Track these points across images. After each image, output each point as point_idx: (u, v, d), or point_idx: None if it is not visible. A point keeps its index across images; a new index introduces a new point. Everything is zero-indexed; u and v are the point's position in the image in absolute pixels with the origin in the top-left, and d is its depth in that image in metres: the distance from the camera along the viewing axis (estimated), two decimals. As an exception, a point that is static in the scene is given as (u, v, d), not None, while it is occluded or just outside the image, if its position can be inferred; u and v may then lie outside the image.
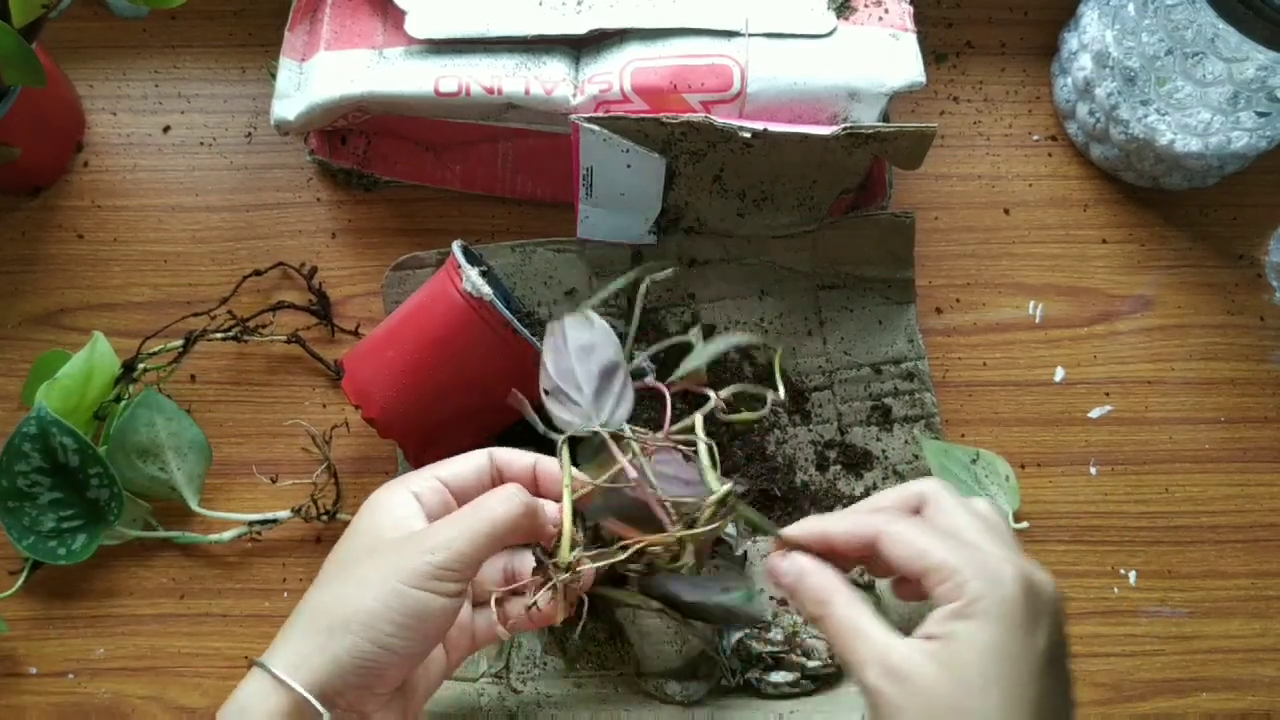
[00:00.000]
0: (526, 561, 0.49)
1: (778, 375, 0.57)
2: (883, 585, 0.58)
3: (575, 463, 0.49)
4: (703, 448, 0.48)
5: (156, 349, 0.61)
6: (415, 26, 0.57)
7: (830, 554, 0.43)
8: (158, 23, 0.69)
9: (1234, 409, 0.64)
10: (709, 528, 0.45)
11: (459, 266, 0.54)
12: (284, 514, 0.60)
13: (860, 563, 0.44)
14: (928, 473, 0.60)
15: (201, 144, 0.68)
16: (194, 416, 0.61)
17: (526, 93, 0.56)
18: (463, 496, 0.47)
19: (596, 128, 0.54)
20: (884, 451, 0.62)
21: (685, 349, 0.61)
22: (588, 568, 0.46)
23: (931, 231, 0.66)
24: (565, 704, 0.56)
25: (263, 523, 0.60)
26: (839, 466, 0.61)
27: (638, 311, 0.59)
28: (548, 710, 0.55)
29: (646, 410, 0.60)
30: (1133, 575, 0.61)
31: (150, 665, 0.60)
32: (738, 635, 0.56)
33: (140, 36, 0.69)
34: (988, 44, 0.70)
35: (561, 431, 0.49)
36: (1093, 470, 0.63)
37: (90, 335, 0.59)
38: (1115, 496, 0.63)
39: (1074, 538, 0.62)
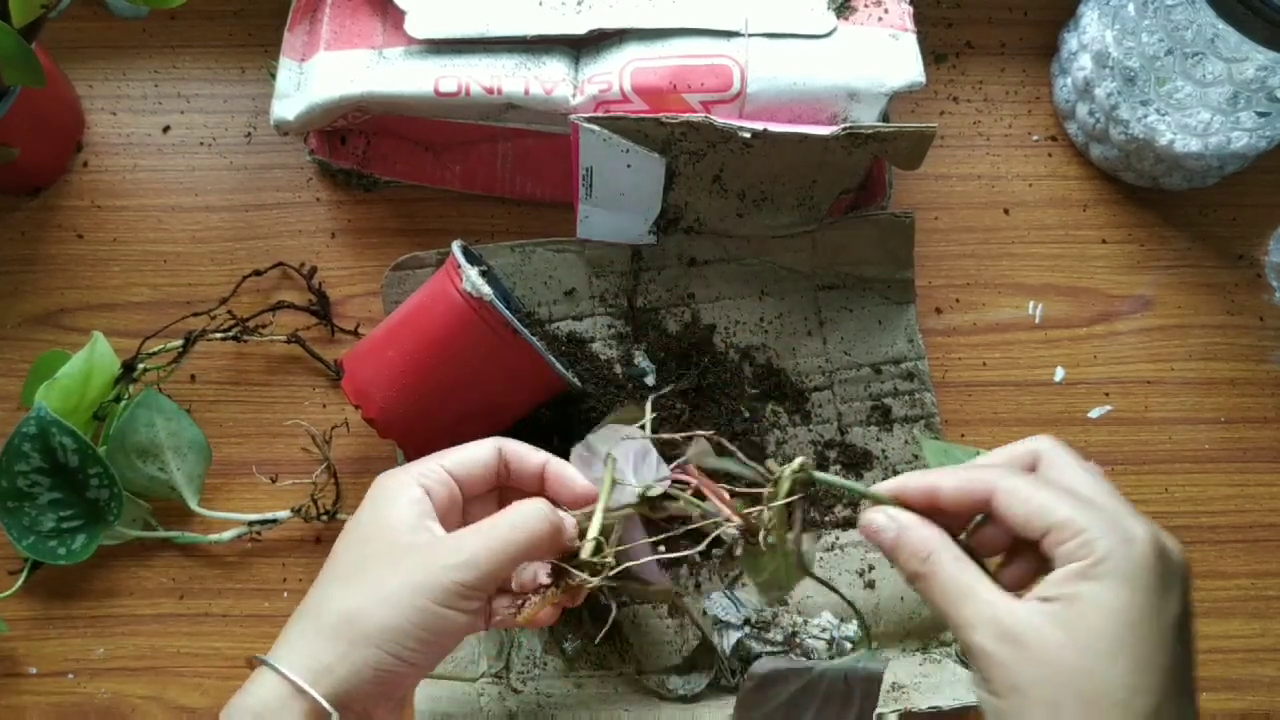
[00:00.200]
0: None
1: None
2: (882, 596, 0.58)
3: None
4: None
5: (156, 349, 0.61)
6: (415, 26, 0.57)
7: (934, 513, 0.40)
8: (158, 23, 0.69)
9: (1234, 409, 0.64)
10: (790, 499, 0.43)
11: (459, 266, 0.54)
12: (284, 514, 0.60)
13: (964, 525, 0.41)
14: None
15: (201, 144, 0.68)
16: (194, 416, 0.61)
17: (526, 93, 0.56)
18: (470, 489, 0.46)
19: (596, 128, 0.54)
20: (884, 451, 0.62)
21: (680, 351, 0.61)
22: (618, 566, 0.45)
23: (931, 231, 0.66)
24: (565, 704, 0.56)
25: (263, 523, 0.60)
26: (839, 466, 0.61)
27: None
28: (548, 710, 0.55)
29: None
30: (1133, 575, 0.61)
31: (150, 665, 0.60)
32: (737, 635, 0.56)
33: (140, 36, 0.69)
34: (988, 44, 0.70)
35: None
36: (1093, 470, 0.63)
37: (90, 335, 0.59)
38: None
39: (1074, 538, 0.62)
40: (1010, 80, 0.69)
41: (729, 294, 0.63)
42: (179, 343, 0.61)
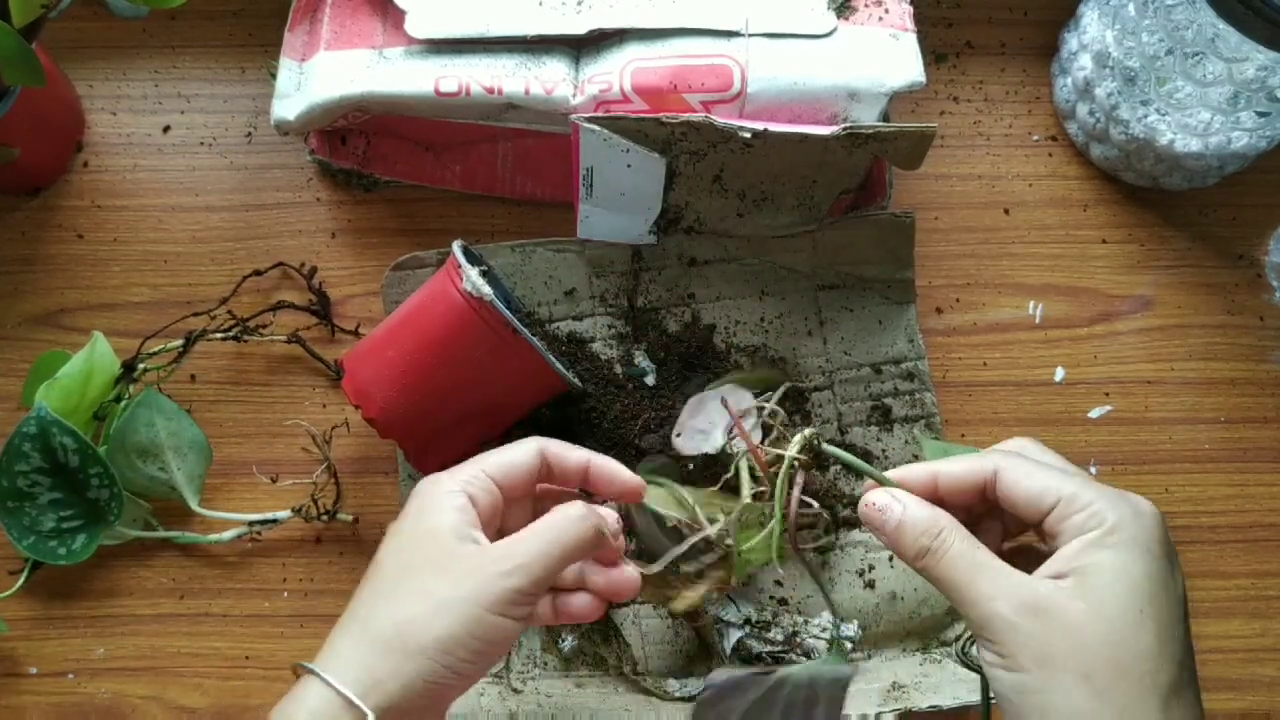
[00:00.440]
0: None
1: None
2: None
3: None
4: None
5: (156, 349, 0.61)
6: (415, 26, 0.57)
7: (934, 500, 0.40)
8: (158, 23, 0.69)
9: (1234, 409, 0.64)
10: (797, 456, 0.43)
11: (459, 266, 0.54)
12: (284, 514, 0.60)
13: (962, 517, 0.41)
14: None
15: (201, 144, 0.68)
16: (194, 416, 0.61)
17: (526, 93, 0.56)
18: (511, 492, 0.46)
19: (596, 127, 0.54)
20: (884, 451, 0.62)
21: (683, 351, 0.61)
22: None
23: (931, 231, 0.66)
24: (565, 704, 0.56)
25: (263, 523, 0.60)
26: (839, 466, 0.61)
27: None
28: (547, 710, 0.55)
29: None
30: (1133, 575, 0.61)
31: (150, 665, 0.60)
32: (738, 635, 0.56)
33: (140, 36, 0.69)
34: (988, 44, 0.70)
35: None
36: (1093, 470, 0.63)
37: (90, 335, 0.59)
38: None
39: (1074, 538, 0.62)
40: (1010, 80, 0.69)
41: (729, 294, 0.63)
42: (179, 343, 0.61)
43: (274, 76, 0.61)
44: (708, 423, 0.50)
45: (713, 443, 0.49)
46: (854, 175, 0.58)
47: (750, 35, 0.56)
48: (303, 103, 0.59)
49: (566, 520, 0.43)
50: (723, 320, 0.62)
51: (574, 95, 0.56)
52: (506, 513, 0.47)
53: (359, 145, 0.64)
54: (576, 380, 0.58)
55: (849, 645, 0.57)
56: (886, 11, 0.58)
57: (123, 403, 0.60)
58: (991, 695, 0.53)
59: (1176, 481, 0.63)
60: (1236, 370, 0.64)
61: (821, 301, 0.63)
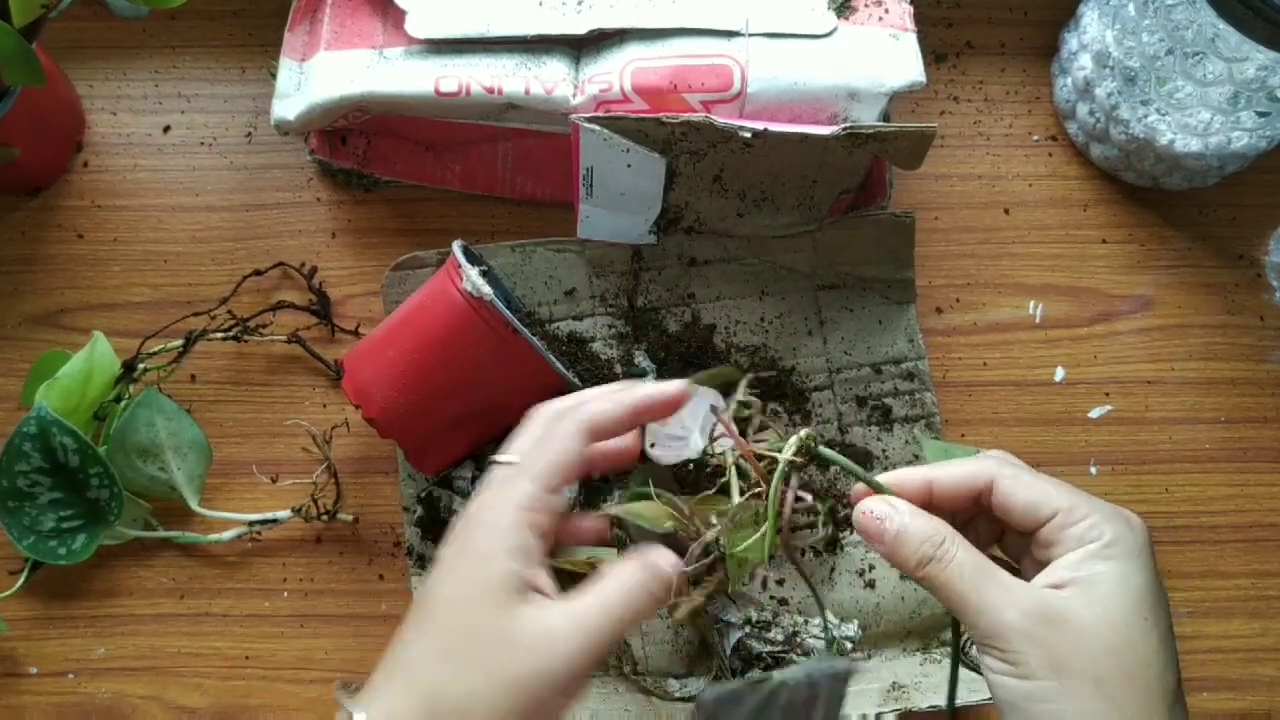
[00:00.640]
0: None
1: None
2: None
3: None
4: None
5: (156, 349, 0.61)
6: (415, 26, 0.57)
7: (926, 505, 0.40)
8: (158, 23, 0.69)
9: (1234, 409, 0.64)
10: (792, 457, 0.42)
11: (459, 266, 0.54)
12: (284, 514, 0.60)
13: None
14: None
15: (201, 144, 0.68)
16: (194, 416, 0.61)
17: (527, 92, 0.56)
18: (563, 487, 0.42)
19: (597, 127, 0.54)
20: (884, 451, 0.62)
21: (683, 351, 0.61)
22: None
23: (931, 231, 0.66)
24: (565, 704, 0.56)
25: (263, 522, 0.60)
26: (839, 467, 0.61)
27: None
28: (548, 710, 0.55)
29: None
30: (1133, 575, 0.61)
31: (150, 665, 0.60)
32: (738, 635, 0.56)
33: (140, 36, 0.69)
34: (988, 44, 0.70)
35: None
36: (1093, 470, 0.63)
37: (90, 335, 0.59)
38: (1115, 496, 0.62)
39: (1074, 538, 0.62)
40: (1010, 80, 0.70)
41: (729, 294, 0.63)
42: (179, 343, 0.61)
43: (274, 76, 0.61)
44: (681, 428, 0.49)
45: (693, 447, 0.47)
46: (854, 175, 0.58)
47: (750, 35, 0.56)
48: (303, 103, 0.59)
49: (637, 586, 0.40)
50: (723, 320, 0.62)
51: (574, 95, 0.56)
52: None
53: (359, 145, 0.64)
54: (577, 380, 0.58)
55: (849, 645, 0.57)
56: (886, 11, 0.58)
57: (123, 403, 0.60)
58: (984, 699, 0.53)
59: (1176, 481, 0.63)
60: (1236, 370, 0.64)
61: (821, 301, 0.63)
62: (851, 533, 0.60)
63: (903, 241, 0.62)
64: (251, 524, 0.60)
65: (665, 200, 0.60)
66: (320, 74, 0.58)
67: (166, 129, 0.68)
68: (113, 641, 0.60)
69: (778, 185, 0.59)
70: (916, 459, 0.61)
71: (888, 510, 0.40)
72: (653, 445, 0.48)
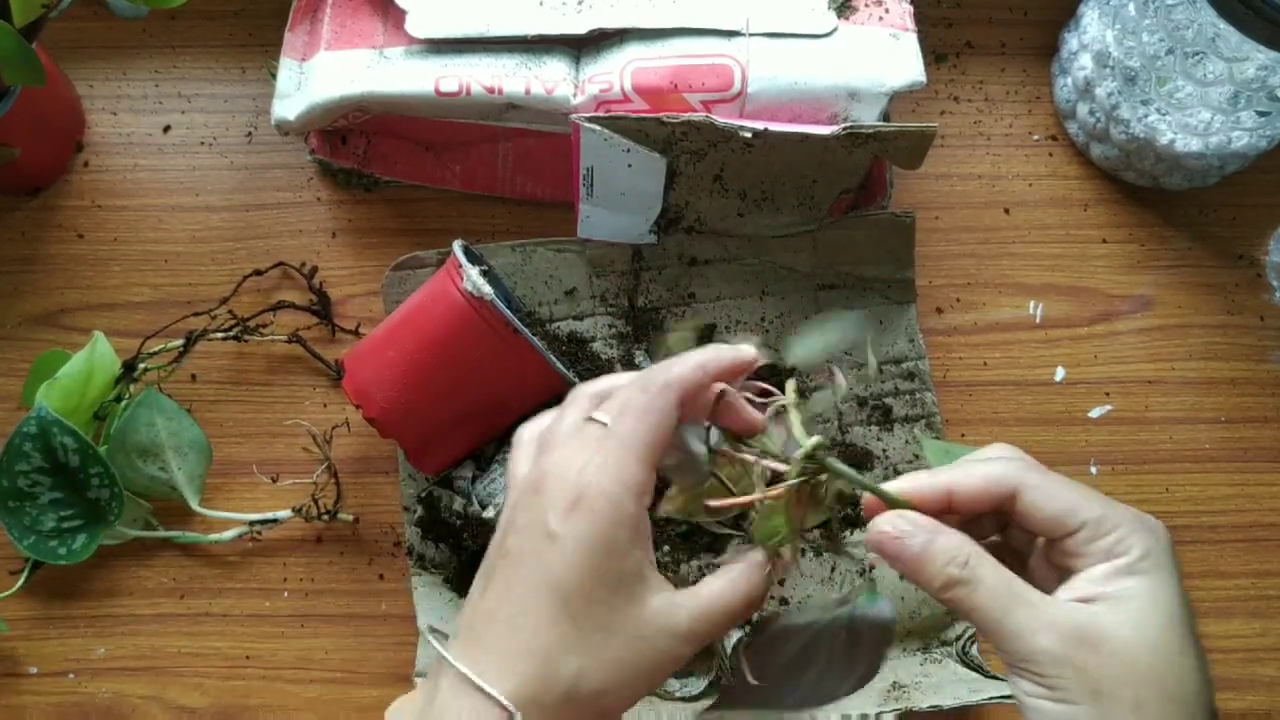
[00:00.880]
0: None
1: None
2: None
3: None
4: (794, 414, 0.44)
5: (157, 349, 0.61)
6: (416, 26, 0.57)
7: (945, 517, 0.37)
8: (158, 23, 0.69)
9: (1234, 409, 0.64)
10: (796, 480, 0.40)
11: (460, 266, 0.54)
12: (284, 514, 0.60)
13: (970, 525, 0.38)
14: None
15: (202, 144, 0.67)
16: (194, 416, 0.61)
17: (527, 92, 0.56)
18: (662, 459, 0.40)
19: (597, 127, 0.54)
20: (884, 451, 0.62)
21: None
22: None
23: (932, 231, 0.66)
24: (566, 704, 0.56)
25: (263, 522, 0.60)
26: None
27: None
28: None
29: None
30: (1133, 575, 0.61)
31: (150, 665, 0.60)
32: (738, 635, 0.56)
33: (140, 36, 0.69)
34: (988, 44, 0.70)
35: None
36: (1093, 470, 0.63)
37: (90, 335, 0.59)
38: (1115, 496, 0.60)
39: (1074, 537, 0.62)
40: (1010, 80, 0.70)
41: (730, 294, 0.63)
42: (179, 342, 0.61)
43: (274, 76, 0.61)
44: (688, 450, 0.47)
45: (702, 464, 0.46)
46: (854, 175, 0.58)
47: (751, 35, 0.56)
48: (303, 102, 0.59)
49: (756, 580, 0.39)
50: (723, 320, 0.62)
51: (574, 95, 0.56)
52: None
53: (359, 145, 0.64)
54: (577, 380, 0.58)
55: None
56: (887, 11, 0.58)
57: (123, 402, 0.60)
58: (986, 699, 0.53)
59: (1177, 481, 0.63)
60: (1236, 370, 0.64)
61: (822, 301, 0.63)
62: (852, 533, 0.60)
63: (903, 241, 0.62)
64: (252, 524, 0.60)
65: (665, 200, 0.60)
66: (320, 74, 0.59)
67: (167, 129, 0.68)
68: (113, 641, 0.60)
69: (778, 185, 0.59)
70: (917, 459, 0.61)
71: (907, 528, 0.37)
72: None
